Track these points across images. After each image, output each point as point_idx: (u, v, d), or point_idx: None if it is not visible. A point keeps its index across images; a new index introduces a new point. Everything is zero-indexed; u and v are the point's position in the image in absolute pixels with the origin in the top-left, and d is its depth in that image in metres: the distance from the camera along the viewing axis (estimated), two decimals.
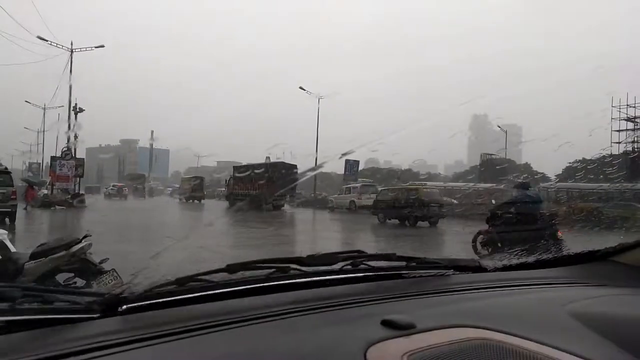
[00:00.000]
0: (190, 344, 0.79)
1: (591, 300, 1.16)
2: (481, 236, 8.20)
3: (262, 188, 31.91)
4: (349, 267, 1.22)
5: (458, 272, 1.34)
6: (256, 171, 34.42)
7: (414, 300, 1.08)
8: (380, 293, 1.10)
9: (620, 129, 36.62)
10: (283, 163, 34.85)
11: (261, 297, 1.00)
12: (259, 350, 0.81)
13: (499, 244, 7.09)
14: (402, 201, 18.82)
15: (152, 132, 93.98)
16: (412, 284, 1.20)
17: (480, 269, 1.39)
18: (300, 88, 38.22)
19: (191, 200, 40.04)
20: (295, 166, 36.61)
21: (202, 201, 39.84)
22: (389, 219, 18.79)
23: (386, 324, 0.89)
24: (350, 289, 1.11)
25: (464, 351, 0.83)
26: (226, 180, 39.91)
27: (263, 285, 1.05)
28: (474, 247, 8.23)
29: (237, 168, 38.10)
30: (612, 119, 35.55)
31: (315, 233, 16.90)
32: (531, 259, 1.43)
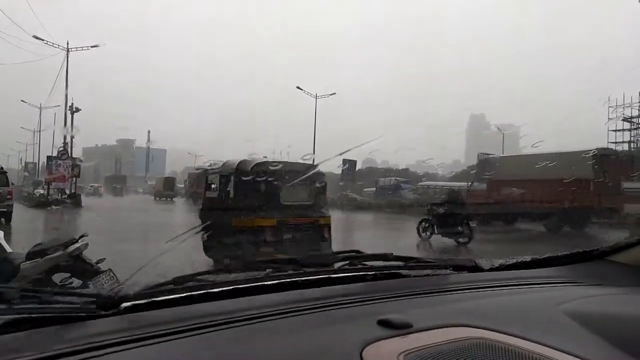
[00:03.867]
0: (187, 343, 0.79)
1: (587, 299, 1.16)
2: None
3: None
4: (347, 266, 1.22)
5: (454, 272, 1.35)
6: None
7: (410, 300, 1.08)
8: (377, 293, 1.09)
9: (617, 128, 36.74)
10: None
11: (258, 297, 1.00)
12: (256, 350, 0.81)
13: None
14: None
15: (149, 132, 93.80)
16: (408, 283, 1.20)
17: (476, 268, 1.39)
18: (298, 88, 38.31)
19: (164, 198, 42.91)
20: None
21: (173, 199, 43.39)
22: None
23: (382, 323, 0.89)
24: (347, 289, 1.11)
25: (460, 350, 0.83)
26: (184, 181, 43.59)
27: (260, 285, 1.04)
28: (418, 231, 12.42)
29: (196, 170, 41.09)
30: (609, 119, 35.64)
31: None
32: (527, 258, 1.43)
